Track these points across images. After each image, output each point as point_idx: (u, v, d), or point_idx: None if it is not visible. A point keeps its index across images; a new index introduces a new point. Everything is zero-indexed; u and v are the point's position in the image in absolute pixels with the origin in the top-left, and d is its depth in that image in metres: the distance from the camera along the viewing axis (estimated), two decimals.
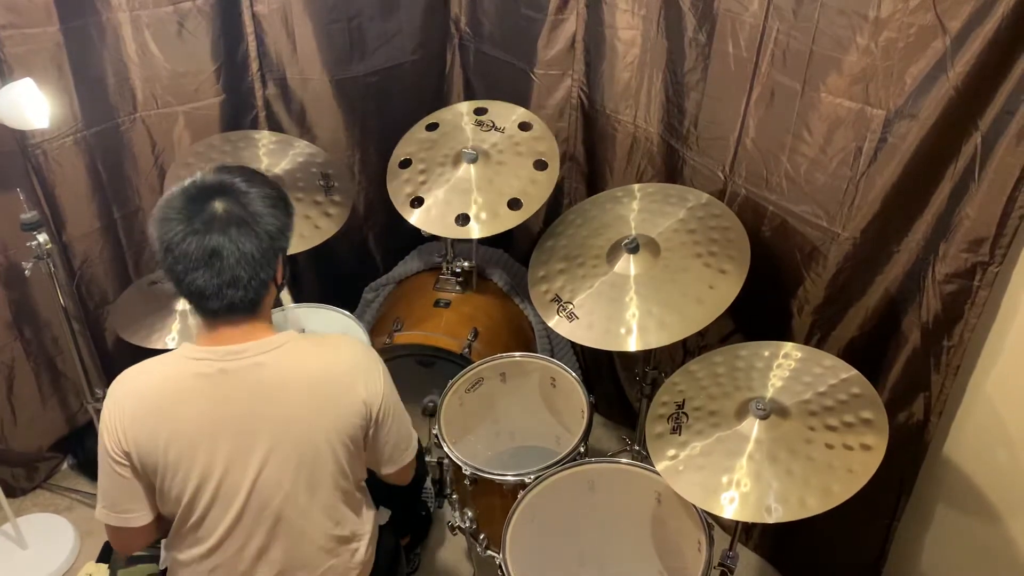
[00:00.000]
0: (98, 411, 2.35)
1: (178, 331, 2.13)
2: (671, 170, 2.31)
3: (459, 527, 2.10)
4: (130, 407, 1.43)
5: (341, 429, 1.49)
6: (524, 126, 2.40)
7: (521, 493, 1.86)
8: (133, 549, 1.60)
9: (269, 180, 1.53)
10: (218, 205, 1.41)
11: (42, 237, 2.06)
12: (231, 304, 1.42)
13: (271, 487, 1.47)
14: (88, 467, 2.65)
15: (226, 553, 1.50)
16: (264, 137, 2.45)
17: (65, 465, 2.72)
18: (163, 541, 1.60)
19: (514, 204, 2.25)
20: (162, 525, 1.55)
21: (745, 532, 2.43)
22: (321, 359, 1.50)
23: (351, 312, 2.25)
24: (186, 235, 1.38)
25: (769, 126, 1.99)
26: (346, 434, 1.50)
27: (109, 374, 2.59)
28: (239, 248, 1.40)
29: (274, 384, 1.45)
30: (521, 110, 2.45)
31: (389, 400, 1.55)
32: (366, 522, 1.64)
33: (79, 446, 2.68)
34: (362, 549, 1.63)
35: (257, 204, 1.43)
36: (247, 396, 1.44)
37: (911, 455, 1.97)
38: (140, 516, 1.50)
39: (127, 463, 1.45)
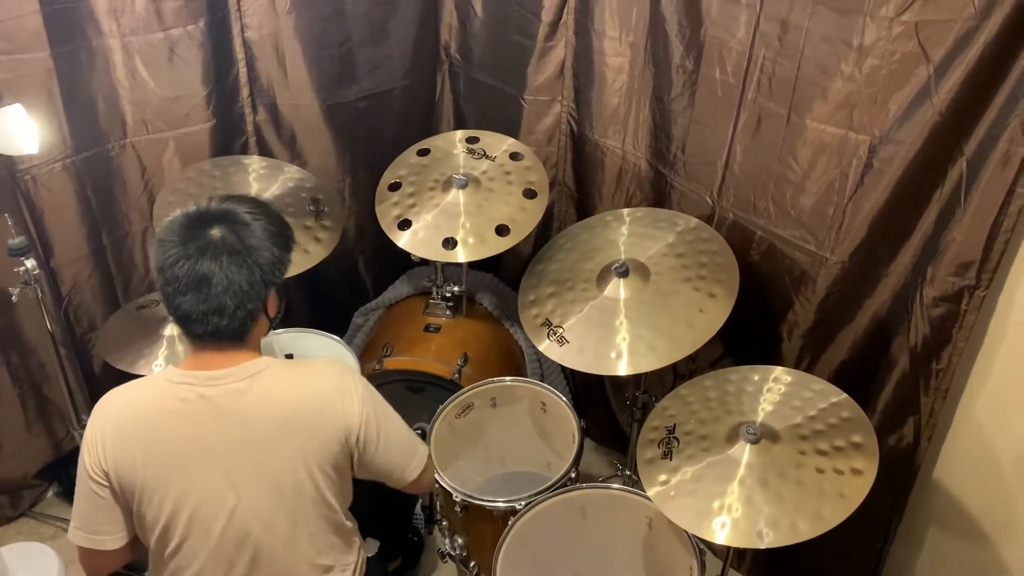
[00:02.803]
0: None
1: (165, 356, 2.11)
2: (659, 195, 2.33)
3: (449, 554, 2.08)
4: (111, 426, 1.43)
5: (320, 456, 1.48)
6: (515, 156, 2.42)
7: (512, 519, 1.85)
8: (102, 573, 1.58)
9: (275, 213, 1.53)
10: (215, 232, 1.41)
11: (30, 262, 2.05)
12: (215, 331, 1.42)
13: (250, 516, 1.45)
14: (73, 495, 2.62)
15: None
16: (254, 162, 2.45)
17: (50, 493, 2.69)
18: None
19: (502, 230, 2.25)
20: (135, 548, 1.53)
21: (737, 557, 2.42)
22: (298, 386, 1.49)
23: (340, 337, 2.24)
24: (178, 259, 1.39)
25: (756, 152, 2.01)
26: (326, 461, 1.48)
27: (96, 400, 2.56)
28: (228, 277, 1.40)
29: (252, 411, 1.45)
30: (512, 140, 2.47)
31: (372, 419, 1.52)
32: (352, 553, 1.63)
33: (65, 473, 2.64)
34: None
35: (255, 237, 1.43)
36: (225, 423, 1.44)
37: (902, 478, 1.97)
38: (113, 539, 1.49)
39: (106, 483, 1.44)
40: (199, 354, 1.46)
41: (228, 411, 1.44)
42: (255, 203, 1.52)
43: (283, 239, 1.50)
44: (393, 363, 2.36)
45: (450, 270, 2.56)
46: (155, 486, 1.42)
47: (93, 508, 1.47)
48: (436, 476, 1.97)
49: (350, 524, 1.62)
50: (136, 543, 1.53)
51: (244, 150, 2.57)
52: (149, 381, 1.50)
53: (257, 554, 1.48)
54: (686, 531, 1.70)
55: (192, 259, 1.39)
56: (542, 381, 2.27)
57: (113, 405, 1.46)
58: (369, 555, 1.74)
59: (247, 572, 1.49)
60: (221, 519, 1.44)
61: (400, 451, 1.61)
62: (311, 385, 1.50)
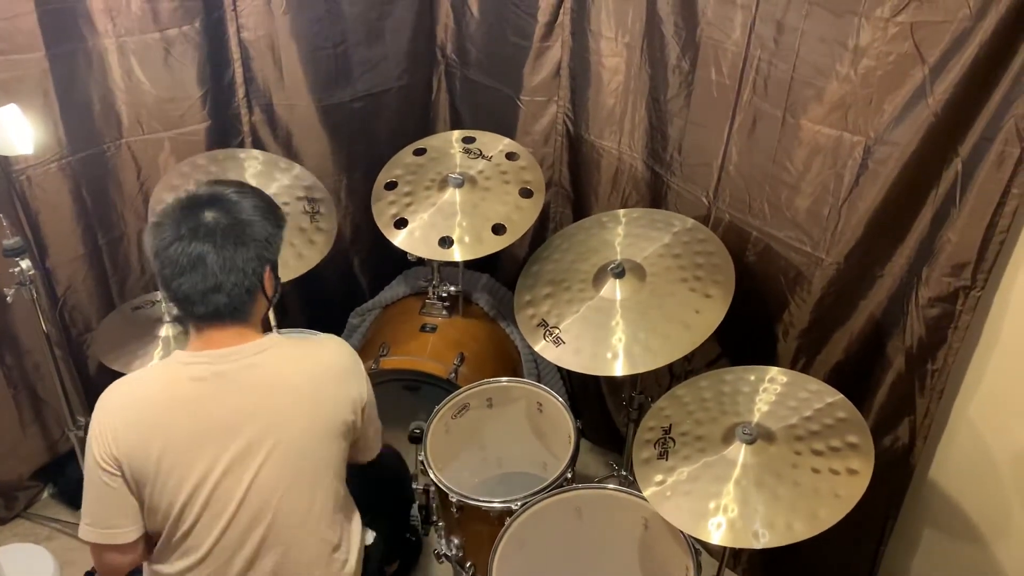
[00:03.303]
0: (80, 439, 2.33)
1: (160, 357, 2.11)
2: (655, 195, 2.33)
3: (445, 555, 2.08)
4: (122, 415, 1.45)
5: (334, 426, 1.53)
6: (511, 155, 2.42)
7: (508, 520, 1.85)
8: (118, 573, 1.58)
9: (262, 192, 1.57)
10: (208, 214, 1.45)
11: (25, 263, 2.04)
12: (216, 309, 1.45)
13: (266, 490, 1.48)
14: (69, 496, 2.61)
15: (216, 562, 1.49)
16: (250, 156, 2.43)
17: (46, 494, 2.67)
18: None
19: (498, 229, 2.25)
20: (149, 547, 1.54)
21: (733, 557, 2.42)
22: (311, 358, 1.56)
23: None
24: (173, 241, 1.43)
25: (751, 153, 2.01)
26: (339, 431, 1.54)
27: (91, 401, 2.54)
28: (223, 255, 1.43)
29: (270, 385, 1.49)
30: (508, 140, 2.47)
31: (370, 397, 1.62)
32: (353, 532, 1.66)
33: (60, 475, 2.64)
34: (351, 560, 1.63)
35: (245, 213, 1.48)
36: (244, 397, 1.47)
37: (897, 479, 1.98)
38: (126, 532, 1.49)
39: (118, 473, 1.44)
40: (203, 334, 1.49)
41: (246, 385, 1.47)
42: (243, 184, 1.58)
43: (273, 215, 1.53)
44: (389, 363, 2.36)
45: (446, 270, 2.56)
46: (171, 470, 1.44)
47: (104, 499, 1.47)
48: (432, 476, 1.98)
49: (347, 498, 1.66)
50: (149, 541, 1.53)
51: None
52: (158, 367, 1.54)
53: (269, 531, 1.50)
54: (682, 531, 1.70)
55: (186, 240, 1.43)
56: (538, 381, 2.27)
57: (122, 394, 1.48)
58: (367, 543, 1.75)
59: (256, 550, 1.50)
60: (237, 496, 1.47)
61: (375, 433, 1.71)
62: (324, 358, 1.57)
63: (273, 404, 1.48)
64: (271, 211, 1.53)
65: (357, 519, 1.69)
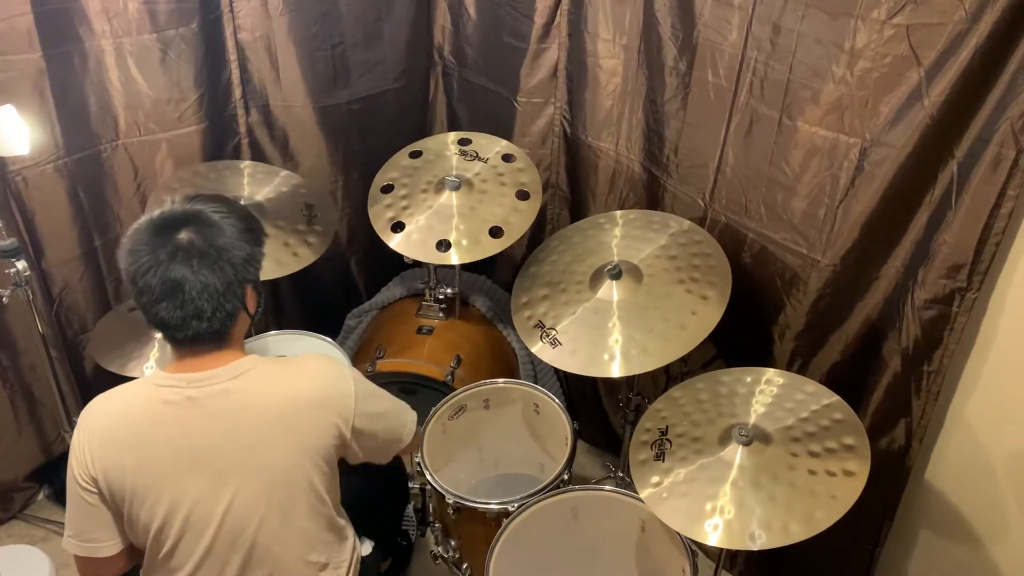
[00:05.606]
0: None
1: (156, 358, 2.11)
2: (652, 197, 2.33)
3: (442, 556, 2.08)
4: (99, 433, 1.43)
5: (313, 452, 1.48)
6: (507, 157, 2.42)
7: (504, 521, 1.85)
8: None
9: (240, 208, 1.53)
10: (183, 236, 1.40)
11: (21, 264, 2.04)
12: (196, 335, 1.42)
13: (244, 515, 1.45)
14: (65, 497, 2.61)
15: None
16: (248, 167, 2.44)
17: (41, 495, 2.67)
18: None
19: (496, 232, 2.25)
20: (132, 556, 1.53)
21: (730, 559, 2.42)
22: (288, 382, 1.49)
23: (333, 339, 2.24)
24: (149, 267, 1.38)
25: (748, 154, 2.01)
26: (319, 456, 1.49)
27: (87, 402, 2.55)
28: (201, 280, 1.39)
29: (241, 410, 1.45)
30: (504, 142, 2.47)
31: (364, 410, 1.52)
32: (345, 550, 1.63)
33: (56, 476, 2.63)
34: None
35: (223, 236, 1.42)
36: (215, 423, 1.43)
37: (893, 481, 1.98)
38: (107, 546, 1.48)
39: (95, 490, 1.43)
40: (183, 358, 1.46)
41: (217, 411, 1.44)
42: (221, 201, 1.51)
43: (253, 235, 1.49)
44: (386, 365, 2.36)
45: (443, 272, 2.56)
46: (146, 491, 1.42)
47: (84, 516, 1.47)
48: (429, 477, 1.98)
49: (342, 521, 1.62)
50: (134, 550, 1.52)
51: (237, 152, 2.57)
52: (135, 386, 1.49)
53: (251, 553, 1.48)
54: (679, 533, 1.70)
55: (163, 265, 1.38)
56: (535, 383, 2.27)
57: (99, 411, 1.46)
58: (364, 555, 1.74)
59: (240, 572, 1.49)
60: (215, 520, 1.44)
61: (393, 431, 1.64)
62: (302, 381, 1.50)
63: (245, 431, 1.44)
64: (251, 231, 1.49)
65: (352, 539, 1.65)
